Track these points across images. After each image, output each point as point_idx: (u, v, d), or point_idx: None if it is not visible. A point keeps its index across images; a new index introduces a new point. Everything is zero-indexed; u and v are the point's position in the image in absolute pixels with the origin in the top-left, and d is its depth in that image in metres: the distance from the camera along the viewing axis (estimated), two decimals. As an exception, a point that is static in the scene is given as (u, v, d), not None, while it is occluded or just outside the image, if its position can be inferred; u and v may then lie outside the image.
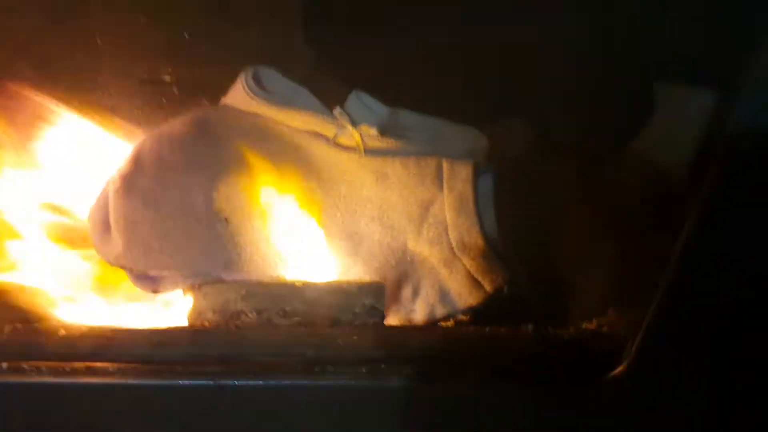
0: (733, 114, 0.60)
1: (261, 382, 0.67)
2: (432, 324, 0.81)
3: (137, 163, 0.81)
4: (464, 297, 0.82)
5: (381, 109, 0.85)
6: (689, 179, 0.65)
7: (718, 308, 0.67)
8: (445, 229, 0.82)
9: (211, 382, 0.66)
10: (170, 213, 0.78)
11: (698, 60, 0.69)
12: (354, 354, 0.70)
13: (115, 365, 0.66)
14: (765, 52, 0.57)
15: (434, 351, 0.71)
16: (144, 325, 0.73)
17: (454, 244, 0.82)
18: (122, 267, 0.79)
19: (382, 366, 0.69)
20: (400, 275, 0.83)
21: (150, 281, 0.78)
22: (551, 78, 0.84)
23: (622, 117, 0.78)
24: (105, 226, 0.79)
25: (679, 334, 0.67)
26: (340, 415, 0.68)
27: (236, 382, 0.67)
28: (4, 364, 0.65)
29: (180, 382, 0.66)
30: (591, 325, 0.76)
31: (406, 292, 0.83)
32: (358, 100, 0.86)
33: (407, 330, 0.76)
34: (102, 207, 0.80)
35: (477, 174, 0.82)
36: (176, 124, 0.86)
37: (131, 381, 0.66)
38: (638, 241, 0.73)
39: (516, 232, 0.83)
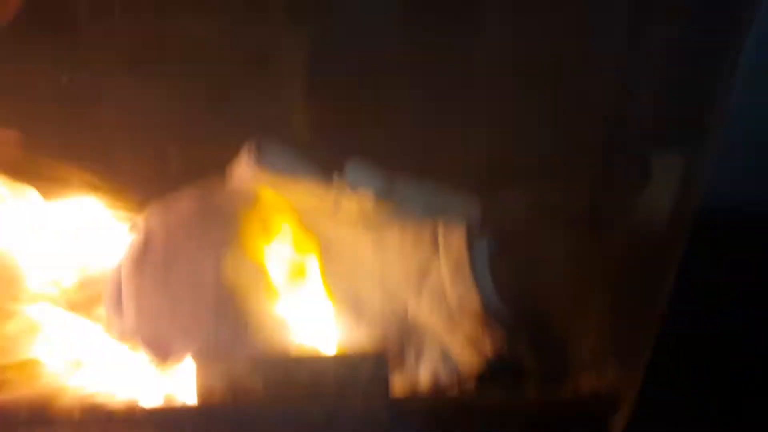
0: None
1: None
2: (435, 391, 0.83)
3: (147, 238, 0.84)
4: (465, 360, 0.84)
5: (378, 176, 0.88)
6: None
7: (711, 358, 0.69)
8: (444, 294, 0.85)
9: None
10: (180, 287, 0.81)
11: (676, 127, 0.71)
12: (361, 425, 0.72)
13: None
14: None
15: (439, 420, 0.73)
16: (152, 401, 0.75)
17: (453, 308, 0.84)
18: (134, 342, 0.81)
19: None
20: (403, 341, 0.85)
21: (162, 356, 0.81)
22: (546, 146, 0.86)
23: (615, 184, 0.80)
24: (118, 302, 0.82)
25: (673, 390, 0.69)
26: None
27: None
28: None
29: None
30: (590, 384, 0.78)
31: (409, 357, 0.85)
32: (355, 168, 0.89)
33: (412, 399, 0.78)
34: (115, 283, 0.83)
35: (472, 239, 0.84)
36: (183, 198, 0.89)
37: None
38: (629, 299, 0.75)
39: (514, 296, 0.85)
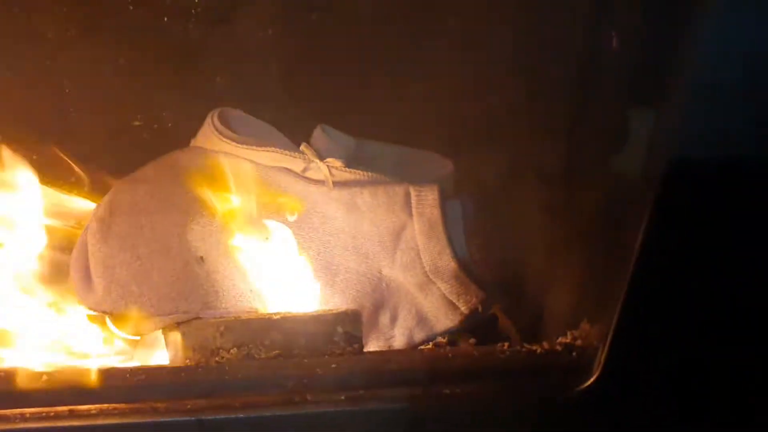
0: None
1: (242, 416, 0.68)
2: (410, 348, 0.83)
3: (112, 208, 0.83)
4: (441, 320, 0.84)
5: (347, 141, 0.88)
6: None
7: (678, 316, 0.69)
8: (418, 254, 0.84)
9: (192, 419, 0.67)
10: (147, 255, 0.80)
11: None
12: (333, 382, 0.71)
13: (98, 407, 0.67)
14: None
15: (411, 373, 0.72)
16: (124, 365, 0.74)
17: (427, 269, 0.84)
18: (103, 312, 0.80)
19: (361, 392, 0.70)
20: (377, 302, 0.85)
21: (131, 325, 0.80)
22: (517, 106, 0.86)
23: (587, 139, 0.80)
24: (86, 273, 0.81)
25: (642, 344, 0.70)
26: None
27: (217, 417, 0.68)
28: (-12, 413, 0.66)
29: (162, 420, 0.67)
30: (565, 339, 0.77)
31: (384, 318, 0.85)
32: (323, 133, 0.89)
33: (384, 354, 0.78)
34: (82, 254, 0.82)
35: (444, 198, 0.84)
36: (148, 169, 0.88)
37: (114, 421, 0.67)
38: (602, 254, 0.75)
39: (489, 253, 0.85)
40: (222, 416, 0.68)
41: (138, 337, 0.81)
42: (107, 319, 0.80)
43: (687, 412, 0.72)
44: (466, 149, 0.89)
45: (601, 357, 0.70)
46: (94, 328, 0.81)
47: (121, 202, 0.84)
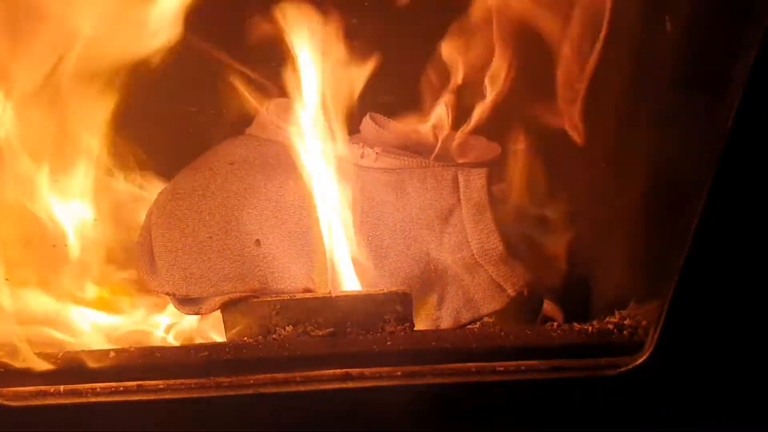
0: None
1: (302, 390, 0.71)
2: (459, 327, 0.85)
3: (174, 194, 0.86)
4: (488, 301, 0.85)
5: (395, 127, 0.90)
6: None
7: (732, 295, 0.69)
8: (465, 237, 0.86)
9: (254, 393, 0.70)
10: (206, 239, 0.83)
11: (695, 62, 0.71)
12: (389, 358, 0.73)
13: (165, 382, 0.70)
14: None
15: (466, 350, 0.74)
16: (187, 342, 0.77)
17: (475, 251, 0.86)
18: (166, 294, 0.83)
19: (416, 368, 0.72)
20: (426, 284, 0.86)
21: (192, 304, 0.82)
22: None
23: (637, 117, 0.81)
24: (150, 257, 0.84)
25: (696, 321, 0.70)
26: (377, 418, 0.72)
27: (279, 392, 0.70)
28: (61, 387, 0.69)
29: (225, 394, 0.70)
30: (614, 319, 0.79)
31: (432, 300, 0.86)
32: (372, 121, 0.91)
33: (437, 332, 0.80)
34: (146, 239, 0.85)
35: (491, 181, 0.85)
36: (208, 155, 0.91)
37: (181, 396, 0.70)
38: (656, 234, 0.76)
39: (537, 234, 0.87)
40: (283, 391, 0.71)
41: (199, 316, 0.84)
42: (171, 300, 0.83)
43: (736, 392, 0.73)
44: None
45: (654, 336, 0.71)
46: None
47: (182, 188, 0.87)
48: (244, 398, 0.70)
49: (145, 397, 0.70)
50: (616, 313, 0.79)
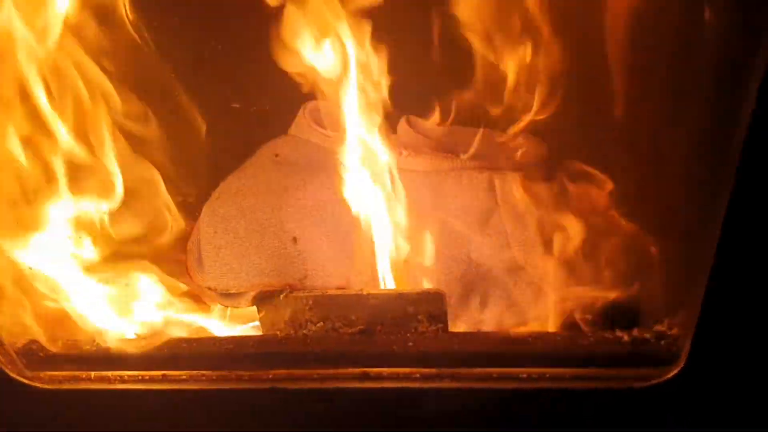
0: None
1: (319, 387, 0.71)
2: (496, 331, 0.82)
3: (221, 192, 0.89)
4: (532, 306, 0.83)
5: (432, 130, 0.89)
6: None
7: (762, 310, 0.65)
8: (506, 239, 0.83)
9: (271, 388, 0.70)
10: (246, 236, 0.85)
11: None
12: (409, 359, 0.72)
13: (188, 373, 0.72)
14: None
15: (489, 354, 0.72)
16: (215, 334, 0.79)
17: (516, 254, 0.83)
18: (209, 288, 0.85)
19: (436, 370, 0.71)
20: (467, 286, 0.84)
21: (232, 299, 0.84)
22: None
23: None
24: (198, 254, 0.87)
25: (726, 336, 0.66)
26: (394, 418, 0.71)
27: (296, 389, 0.71)
28: (92, 374, 0.73)
29: (244, 387, 0.71)
30: (661, 327, 0.74)
31: (474, 302, 0.84)
32: (407, 123, 0.91)
33: (462, 336, 0.78)
34: (196, 236, 0.88)
35: (531, 184, 0.83)
36: (255, 157, 0.94)
37: (202, 387, 0.72)
38: (685, 246, 0.71)
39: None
40: (300, 387, 0.71)
41: (238, 308, 0.85)
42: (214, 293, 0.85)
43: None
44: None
45: (687, 348, 0.66)
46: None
47: (227, 188, 0.89)
48: (261, 392, 0.71)
49: (168, 387, 0.72)
50: (665, 321, 0.75)
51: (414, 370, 0.72)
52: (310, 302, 0.79)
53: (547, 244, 0.82)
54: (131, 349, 0.73)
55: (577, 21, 0.77)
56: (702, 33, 0.66)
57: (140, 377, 0.73)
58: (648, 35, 0.72)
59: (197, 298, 0.85)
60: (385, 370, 0.72)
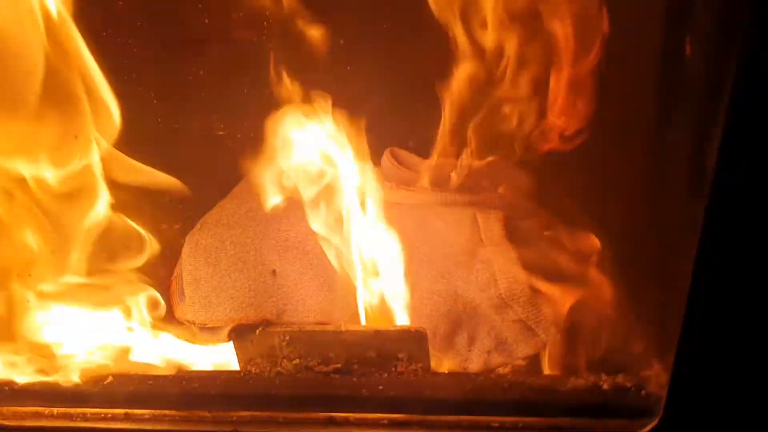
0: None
1: None
2: (483, 371, 0.79)
3: (203, 223, 0.87)
4: (521, 345, 0.79)
5: (417, 163, 0.87)
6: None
7: (736, 358, 0.61)
8: (494, 276, 0.80)
9: (233, 430, 0.68)
10: (226, 268, 0.83)
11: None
12: (378, 404, 0.69)
13: (151, 412, 0.71)
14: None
15: (456, 401, 0.69)
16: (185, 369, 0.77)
17: (503, 292, 0.79)
18: (187, 321, 0.83)
19: (402, 416, 0.68)
20: (454, 322, 0.81)
21: (211, 332, 0.82)
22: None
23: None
24: (181, 286, 0.85)
25: (703, 387, 0.63)
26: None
27: None
28: (55, 410, 0.72)
29: (205, 430, 0.69)
30: (649, 372, 0.70)
31: (461, 339, 0.81)
32: (392, 156, 0.89)
33: (434, 377, 0.74)
34: (179, 269, 0.86)
35: (512, 222, 0.80)
36: (240, 185, 0.92)
37: (164, 428, 0.70)
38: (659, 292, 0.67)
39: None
40: (263, 431, 0.69)
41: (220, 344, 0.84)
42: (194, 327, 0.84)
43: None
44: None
45: (663, 400, 0.62)
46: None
47: (210, 218, 0.87)
48: (223, 437, 0.69)
49: (129, 426, 0.70)
50: (655, 365, 0.70)
51: (382, 415, 0.69)
52: (287, 338, 0.77)
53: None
54: (95, 387, 0.72)
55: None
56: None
57: (103, 415, 0.71)
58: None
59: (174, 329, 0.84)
60: (351, 416, 0.69)
